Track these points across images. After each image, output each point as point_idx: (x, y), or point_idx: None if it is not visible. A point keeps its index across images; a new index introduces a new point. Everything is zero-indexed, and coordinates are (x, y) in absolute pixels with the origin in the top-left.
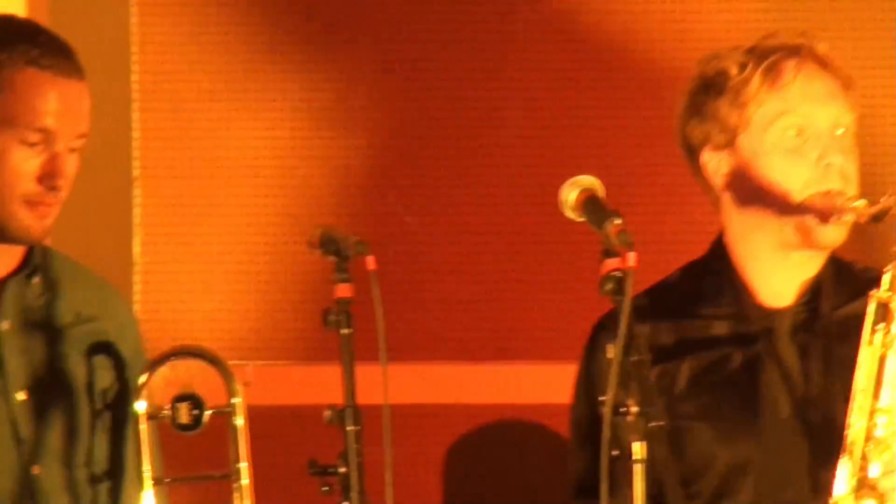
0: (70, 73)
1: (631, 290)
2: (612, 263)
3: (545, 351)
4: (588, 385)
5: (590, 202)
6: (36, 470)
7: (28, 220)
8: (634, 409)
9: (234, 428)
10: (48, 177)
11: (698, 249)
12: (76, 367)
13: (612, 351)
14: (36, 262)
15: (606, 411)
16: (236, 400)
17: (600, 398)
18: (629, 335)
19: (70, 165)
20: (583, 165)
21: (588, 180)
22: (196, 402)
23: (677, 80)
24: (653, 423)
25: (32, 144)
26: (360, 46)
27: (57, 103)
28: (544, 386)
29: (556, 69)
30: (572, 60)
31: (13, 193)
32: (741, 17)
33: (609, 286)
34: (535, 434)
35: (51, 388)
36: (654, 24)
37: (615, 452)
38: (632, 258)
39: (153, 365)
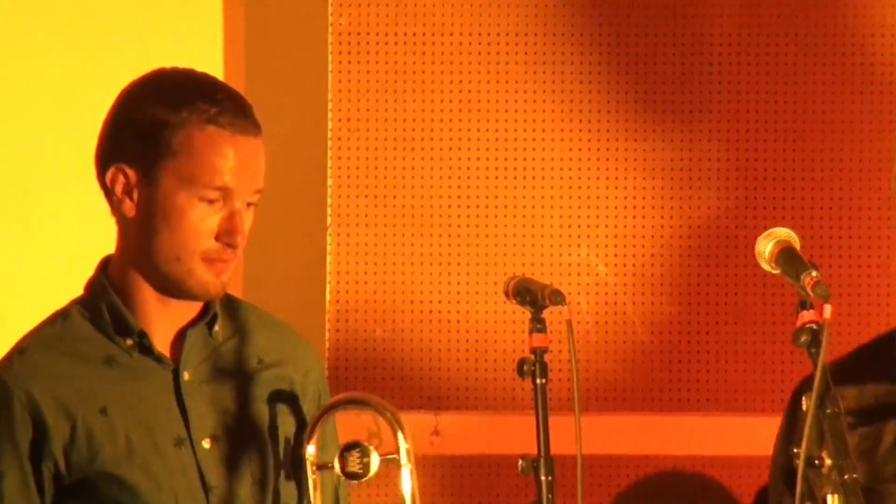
0: (247, 130)
1: (827, 343)
2: (807, 316)
3: (733, 403)
4: (787, 440)
5: (786, 254)
6: None
7: (206, 277)
8: (828, 461)
9: (405, 478)
10: (227, 234)
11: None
12: (261, 413)
13: (806, 403)
14: (215, 310)
15: (801, 464)
16: (405, 448)
17: (795, 450)
18: (825, 388)
19: (247, 222)
20: (782, 219)
21: (784, 232)
22: (364, 451)
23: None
24: (847, 476)
25: (212, 202)
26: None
27: (235, 161)
28: (735, 438)
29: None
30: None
31: (194, 250)
32: None
33: (804, 338)
34: (723, 486)
35: (237, 436)
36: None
37: (807, 503)
38: (828, 311)
39: (322, 414)
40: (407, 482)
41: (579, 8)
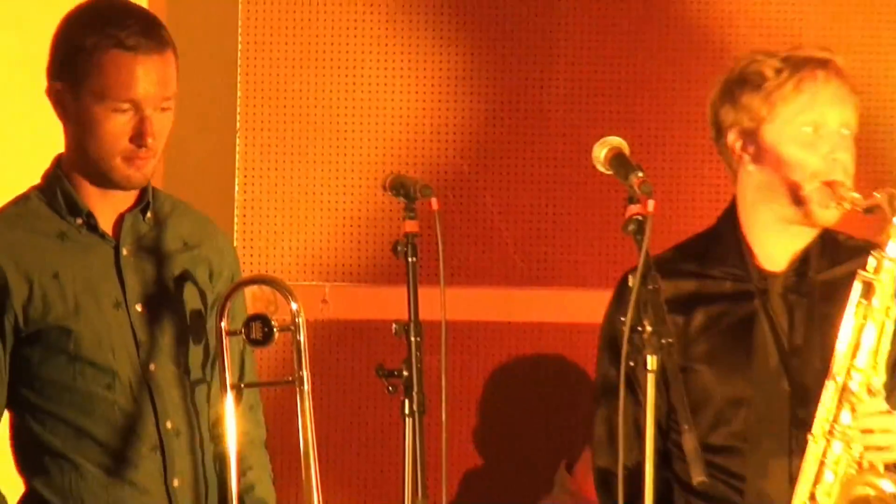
0: (151, 49)
1: (650, 232)
2: (634, 209)
3: (575, 279)
4: (616, 311)
5: (617, 158)
6: (152, 367)
7: (127, 172)
8: (649, 328)
9: (297, 343)
10: (138, 137)
11: (706, 200)
12: (184, 286)
13: (632, 280)
14: (148, 199)
15: (626, 330)
16: (299, 319)
17: (622, 318)
18: (647, 268)
19: (159, 124)
20: (616, 129)
21: (616, 140)
22: (265, 322)
23: (699, 59)
24: (664, 340)
25: (124, 111)
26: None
27: (140, 76)
28: (574, 308)
29: (599, 47)
30: (614, 41)
31: (112, 151)
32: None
33: (631, 227)
34: (564, 348)
35: (163, 303)
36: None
37: (632, 363)
38: (651, 205)
39: (231, 291)
40: (300, 345)
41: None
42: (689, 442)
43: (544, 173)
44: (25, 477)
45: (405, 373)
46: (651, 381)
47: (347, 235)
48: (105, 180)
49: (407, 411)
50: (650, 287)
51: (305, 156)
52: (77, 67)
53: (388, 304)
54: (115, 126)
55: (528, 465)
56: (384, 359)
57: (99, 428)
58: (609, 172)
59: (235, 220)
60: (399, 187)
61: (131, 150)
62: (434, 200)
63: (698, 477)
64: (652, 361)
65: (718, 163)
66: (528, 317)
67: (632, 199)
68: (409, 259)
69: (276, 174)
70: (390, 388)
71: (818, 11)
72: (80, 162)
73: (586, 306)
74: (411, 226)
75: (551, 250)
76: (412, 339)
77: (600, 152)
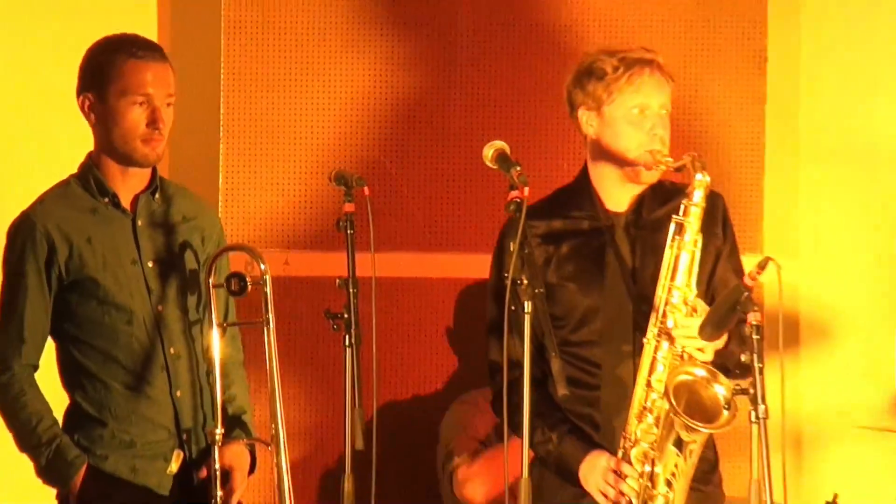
0: (157, 59)
1: (524, 212)
2: (514, 194)
3: (469, 245)
4: (498, 269)
5: (501, 156)
6: (160, 308)
7: (144, 150)
8: (526, 281)
9: (265, 294)
10: (152, 123)
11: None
12: (183, 248)
13: (512, 246)
14: (157, 184)
15: (509, 283)
16: (267, 276)
17: (505, 275)
18: (524, 237)
19: (166, 114)
20: (501, 135)
21: (500, 143)
22: (241, 278)
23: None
24: (537, 290)
25: (140, 104)
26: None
27: (150, 78)
28: (468, 267)
29: (494, 57)
30: (504, 51)
31: (134, 135)
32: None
33: (512, 207)
34: (462, 297)
35: (167, 262)
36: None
37: (513, 308)
38: (526, 191)
39: (217, 255)
40: (267, 296)
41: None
42: (555, 365)
43: (447, 167)
44: (69, 392)
45: (345, 315)
46: (527, 321)
47: (303, 214)
48: (129, 160)
49: (347, 343)
50: (526, 251)
51: (273, 154)
52: (103, 77)
53: (333, 265)
54: (135, 115)
55: (440, 380)
56: (330, 305)
57: (121, 353)
58: (494, 167)
59: (220, 201)
60: (340, 179)
61: (147, 133)
62: (366, 189)
63: (562, 391)
64: (528, 306)
65: (576, 140)
66: (436, 274)
67: (512, 187)
68: (348, 231)
69: (250, 167)
70: (335, 326)
71: (649, 16)
72: (108, 150)
73: (477, 265)
74: (349, 207)
75: (452, 224)
76: (350, 290)
77: (488, 152)
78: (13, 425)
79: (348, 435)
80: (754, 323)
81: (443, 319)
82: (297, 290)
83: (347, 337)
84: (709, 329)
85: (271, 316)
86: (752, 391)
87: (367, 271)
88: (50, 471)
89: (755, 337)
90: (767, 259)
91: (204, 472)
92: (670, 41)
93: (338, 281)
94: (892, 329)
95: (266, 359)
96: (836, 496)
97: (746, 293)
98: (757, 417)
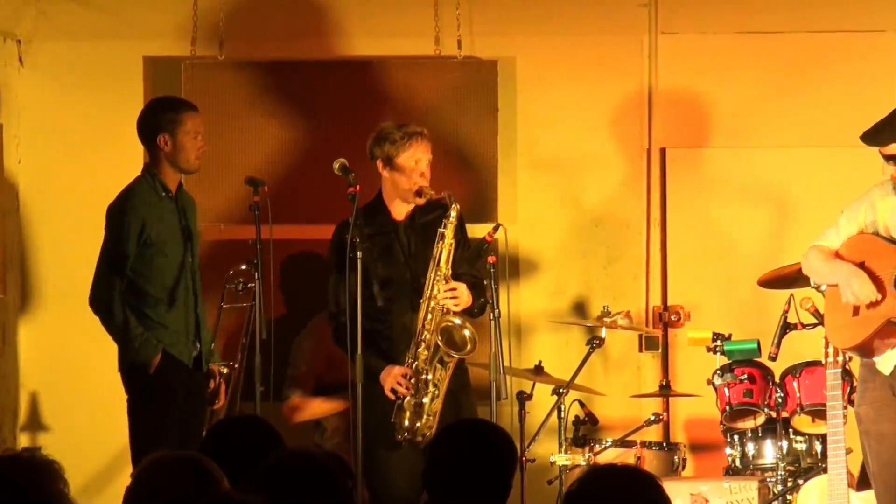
0: (197, 111)
1: (358, 201)
2: (351, 190)
3: (327, 219)
4: (341, 234)
5: (342, 167)
6: (189, 259)
7: (196, 164)
8: (359, 240)
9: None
10: (200, 147)
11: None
12: (195, 223)
13: (351, 220)
14: (181, 186)
15: (348, 239)
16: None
17: (346, 236)
18: (356, 217)
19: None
20: (342, 154)
21: (342, 160)
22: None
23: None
24: (365, 245)
25: (195, 137)
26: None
27: (200, 122)
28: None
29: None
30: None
31: (192, 154)
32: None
33: (349, 198)
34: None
35: (191, 231)
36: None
37: (352, 255)
38: (358, 188)
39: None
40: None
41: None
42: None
43: (320, 179)
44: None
45: (255, 261)
46: (359, 266)
47: (232, 203)
48: (186, 169)
49: (257, 277)
50: (357, 222)
51: (218, 172)
52: (174, 125)
53: (250, 233)
54: (194, 144)
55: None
56: (247, 259)
57: (159, 293)
58: (339, 174)
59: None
60: (250, 181)
61: (199, 154)
62: (266, 188)
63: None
64: (359, 257)
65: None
66: (311, 235)
67: (349, 185)
68: (256, 212)
69: (203, 182)
70: (251, 272)
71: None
72: (172, 164)
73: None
74: (256, 198)
75: (318, 208)
76: (258, 247)
77: (336, 164)
78: (115, 332)
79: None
80: (491, 261)
81: (319, 262)
82: (230, 249)
83: (257, 273)
84: (465, 266)
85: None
86: (490, 301)
87: (266, 235)
88: (142, 352)
89: (492, 270)
90: (499, 224)
91: (212, 384)
92: (437, 104)
93: (250, 241)
94: (571, 261)
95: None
96: (540, 361)
97: (487, 245)
98: (494, 317)
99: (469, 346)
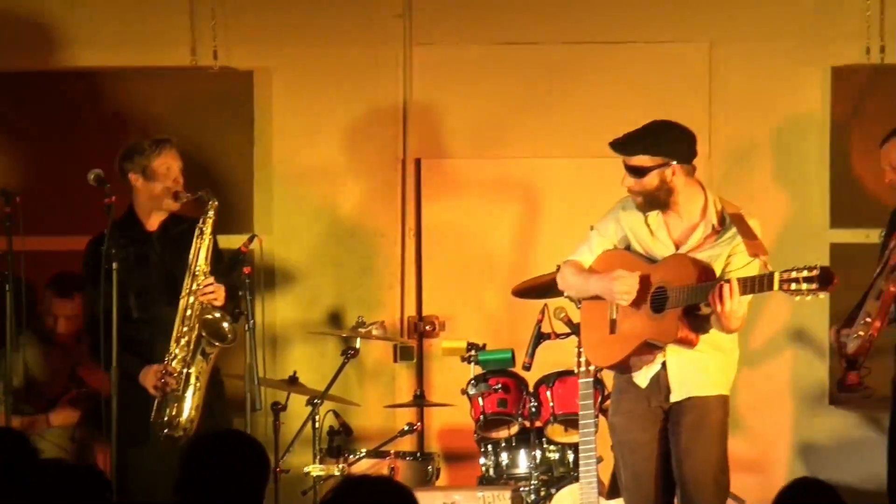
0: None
1: (112, 209)
2: (107, 200)
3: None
4: (94, 251)
5: (97, 178)
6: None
7: (174, 206)
8: (114, 251)
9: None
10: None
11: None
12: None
13: (106, 231)
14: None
15: (104, 251)
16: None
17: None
18: (111, 229)
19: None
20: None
21: (97, 170)
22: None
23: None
24: (122, 257)
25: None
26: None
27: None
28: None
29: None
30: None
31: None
32: None
33: (105, 208)
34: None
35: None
36: None
37: (106, 268)
38: (113, 199)
39: None
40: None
41: None
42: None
43: (73, 191)
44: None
45: (6, 273)
46: (114, 277)
47: None
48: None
49: (7, 289)
50: (113, 234)
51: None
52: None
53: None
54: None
55: None
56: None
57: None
58: (94, 184)
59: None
60: (1, 193)
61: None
62: (18, 199)
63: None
64: (114, 268)
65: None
66: (65, 247)
67: (105, 196)
68: (8, 224)
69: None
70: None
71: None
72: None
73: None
74: (8, 210)
75: (70, 219)
76: (10, 258)
77: (90, 175)
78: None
79: None
80: (246, 272)
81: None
82: None
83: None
84: (220, 278)
85: None
86: (245, 311)
87: (18, 247)
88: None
89: (247, 280)
90: (254, 235)
91: None
92: (193, 115)
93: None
94: (326, 271)
95: None
96: (295, 372)
97: (242, 255)
98: (249, 328)
99: (230, 337)
